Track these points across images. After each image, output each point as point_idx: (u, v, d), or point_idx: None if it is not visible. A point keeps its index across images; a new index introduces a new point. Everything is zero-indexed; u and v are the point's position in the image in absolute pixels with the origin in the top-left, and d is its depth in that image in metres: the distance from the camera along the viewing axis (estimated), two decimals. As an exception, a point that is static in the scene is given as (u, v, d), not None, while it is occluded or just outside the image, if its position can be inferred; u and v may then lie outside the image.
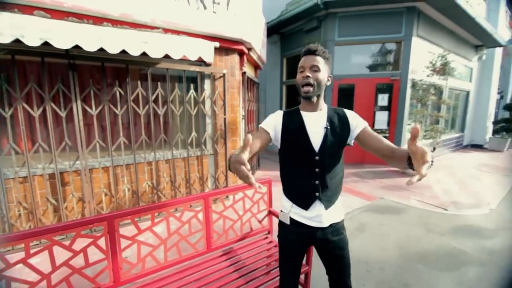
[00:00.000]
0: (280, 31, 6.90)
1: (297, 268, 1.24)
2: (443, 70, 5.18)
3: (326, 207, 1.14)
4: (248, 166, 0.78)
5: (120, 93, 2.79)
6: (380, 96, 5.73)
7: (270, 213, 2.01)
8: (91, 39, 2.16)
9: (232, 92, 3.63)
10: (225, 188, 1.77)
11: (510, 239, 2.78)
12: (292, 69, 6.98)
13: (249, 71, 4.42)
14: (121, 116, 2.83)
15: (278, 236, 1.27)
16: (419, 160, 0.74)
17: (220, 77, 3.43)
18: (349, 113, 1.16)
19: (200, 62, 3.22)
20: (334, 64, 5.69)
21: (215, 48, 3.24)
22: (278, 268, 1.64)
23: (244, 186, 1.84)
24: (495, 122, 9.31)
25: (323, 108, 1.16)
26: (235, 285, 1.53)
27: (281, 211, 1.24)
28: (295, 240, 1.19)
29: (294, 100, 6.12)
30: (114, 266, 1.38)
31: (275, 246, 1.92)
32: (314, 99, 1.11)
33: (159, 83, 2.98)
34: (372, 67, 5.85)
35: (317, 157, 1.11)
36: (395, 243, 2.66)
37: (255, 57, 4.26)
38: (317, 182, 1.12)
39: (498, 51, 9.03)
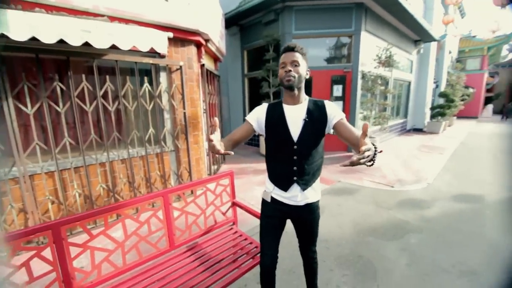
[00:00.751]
0: (239, 23, 6.82)
1: (276, 239, 1.39)
2: (388, 62, 5.70)
3: (303, 189, 1.28)
4: (215, 141, 0.97)
5: (61, 89, 2.50)
6: (335, 87, 6.10)
7: (234, 204, 2.04)
8: (21, 27, 1.89)
9: (191, 85, 3.52)
10: (185, 184, 1.73)
11: (442, 208, 3.26)
12: (253, 61, 7.00)
13: (208, 63, 4.32)
14: (65, 114, 2.55)
15: (261, 211, 1.44)
16: (359, 151, 0.88)
17: (177, 69, 3.29)
18: (328, 105, 1.26)
19: (154, 53, 3.04)
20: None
21: (170, 39, 3.09)
22: (244, 256, 1.72)
23: (205, 180, 1.83)
24: (432, 108, 10.63)
25: (304, 101, 1.27)
26: (201, 278, 1.54)
27: (265, 190, 1.41)
28: (274, 215, 1.36)
29: (257, 93, 6.16)
30: (65, 277, 1.28)
31: (240, 235, 1.97)
32: (296, 91, 1.22)
33: (107, 77, 2.75)
34: (327, 60, 6.17)
35: (295, 146, 1.23)
36: (351, 220, 2.91)
37: (213, 49, 4.16)
38: (295, 168, 1.26)
39: (433, 45, 10.23)
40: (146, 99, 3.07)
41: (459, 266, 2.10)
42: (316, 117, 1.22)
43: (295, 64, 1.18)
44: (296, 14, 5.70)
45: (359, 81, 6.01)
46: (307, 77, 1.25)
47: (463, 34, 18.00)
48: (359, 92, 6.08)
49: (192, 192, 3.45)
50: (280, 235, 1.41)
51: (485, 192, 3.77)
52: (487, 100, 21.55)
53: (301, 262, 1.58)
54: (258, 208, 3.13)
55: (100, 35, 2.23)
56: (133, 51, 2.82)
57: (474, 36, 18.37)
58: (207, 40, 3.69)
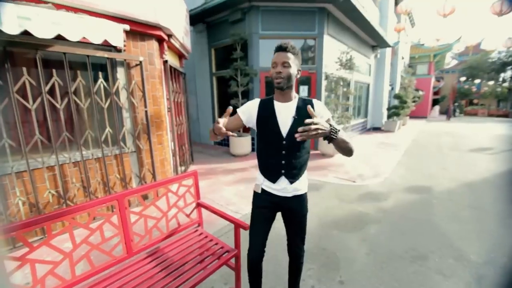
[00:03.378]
0: (206, 20, 6.68)
1: (265, 230, 1.45)
2: (349, 64, 6.05)
3: (291, 182, 1.36)
4: (221, 124, 1.13)
5: (-4, 83, 2.19)
6: (301, 88, 6.30)
7: (199, 205, 1.97)
8: None
9: (153, 82, 3.33)
10: (143, 186, 1.62)
11: (397, 199, 3.54)
12: (221, 60, 6.90)
13: (172, 60, 4.14)
14: (3, 113, 2.23)
15: (252, 203, 1.49)
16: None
17: (137, 65, 3.09)
18: (317, 104, 1.32)
19: (109, 47, 2.83)
20: (260, 57, 5.92)
21: (127, 33, 2.90)
22: (210, 257, 1.67)
23: (166, 181, 1.74)
24: (388, 109, 11.57)
25: (294, 99, 1.32)
26: (163, 284, 1.44)
27: (256, 183, 1.47)
28: (265, 206, 1.43)
29: (226, 92, 6.08)
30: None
31: (206, 237, 1.90)
32: (285, 90, 1.27)
33: (54, 71, 2.47)
34: (293, 61, 6.32)
35: (284, 142, 1.30)
36: (316, 215, 3.02)
37: (177, 45, 4.00)
38: (283, 162, 1.33)
39: (388, 51, 11.14)
40: (101, 96, 2.83)
41: (411, 252, 2.30)
42: (304, 115, 1.22)
43: (285, 65, 1.22)
44: (262, 15, 5.76)
45: (323, 82, 6.29)
46: (298, 76, 1.30)
47: (413, 41, 19.92)
48: (323, 92, 6.36)
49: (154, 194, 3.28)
50: (269, 229, 1.46)
51: (432, 183, 4.20)
52: (434, 102, 24.16)
53: (269, 258, 1.59)
54: (226, 209, 3.12)
55: (42, 23, 1.99)
56: (85, 44, 2.59)
57: (422, 44, 20.43)
58: (169, 36, 3.54)
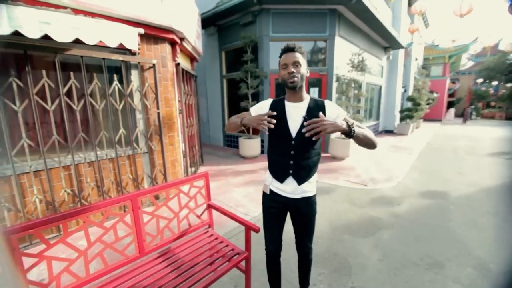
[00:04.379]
0: (217, 23, 6.76)
1: (278, 228, 1.47)
2: (360, 66, 5.96)
3: (299, 183, 1.36)
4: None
5: (18, 85, 2.28)
6: (312, 90, 6.25)
7: (210, 206, 1.98)
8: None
9: (165, 85, 3.39)
10: (155, 186, 1.64)
11: (410, 204, 3.44)
12: (231, 62, 6.95)
13: (184, 63, 4.20)
14: (22, 114, 2.33)
15: (262, 204, 1.51)
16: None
17: (150, 67, 3.16)
18: (328, 104, 1.31)
19: (124, 50, 2.90)
20: (270, 59, 5.92)
21: (142, 36, 2.97)
22: (220, 259, 1.68)
23: (177, 182, 1.75)
24: (401, 111, 11.30)
25: (305, 99, 1.32)
26: (173, 284, 1.45)
27: (265, 184, 1.49)
28: (273, 206, 1.44)
29: (236, 94, 6.12)
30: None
31: (216, 238, 1.91)
32: (297, 90, 1.28)
33: (72, 74, 2.56)
34: (304, 63, 6.29)
35: (293, 142, 1.30)
36: (327, 219, 2.97)
37: (189, 48, 4.06)
38: (291, 162, 1.33)
39: (401, 52, 10.91)
40: (116, 98, 2.90)
41: (427, 259, 2.22)
42: (315, 116, 1.23)
43: (296, 64, 1.22)
44: (273, 17, 5.77)
45: (334, 84, 6.22)
46: (308, 75, 1.32)
47: (427, 42, 19.44)
48: (334, 95, 6.29)
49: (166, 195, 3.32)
50: (283, 225, 1.49)
51: (448, 188, 4.05)
52: (449, 104, 23.44)
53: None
54: (236, 211, 3.11)
55: (61, 28, 2.07)
56: (102, 47, 2.67)
57: (437, 45, 19.91)
58: (182, 39, 3.60)
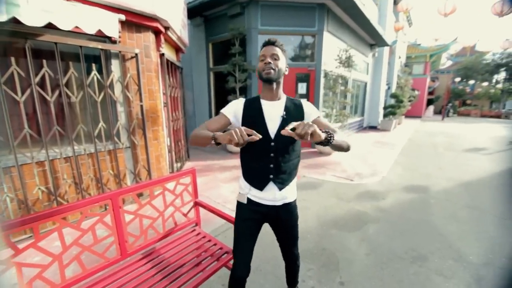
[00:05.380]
0: (204, 13, 6.53)
1: (251, 245, 1.32)
2: (348, 62, 6.00)
3: (280, 188, 1.25)
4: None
5: (-19, 73, 2.06)
6: (300, 85, 6.24)
7: (197, 204, 1.90)
8: None
9: (149, 76, 3.22)
10: (138, 184, 1.54)
11: (395, 198, 3.53)
12: (219, 55, 6.77)
13: (169, 54, 4.02)
14: (-13, 104, 2.11)
15: (236, 215, 1.35)
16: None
17: (132, 57, 2.98)
18: (305, 103, 1.28)
19: (103, 37, 2.71)
20: (259, 53, 5.78)
21: (123, 23, 2.78)
22: (209, 258, 1.61)
23: (162, 179, 1.66)
24: (384, 108, 11.61)
25: (282, 98, 1.25)
26: (159, 287, 1.38)
27: (239, 192, 1.33)
28: (251, 218, 1.29)
29: (223, 88, 5.98)
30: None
31: (204, 237, 1.84)
32: (274, 85, 1.19)
33: (45, 62, 2.35)
34: (292, 58, 6.26)
35: (272, 143, 1.20)
36: (315, 214, 2.98)
37: (174, 38, 3.88)
38: (271, 165, 1.22)
39: (386, 50, 11.14)
40: (94, 89, 2.72)
41: (411, 253, 2.28)
42: (293, 115, 1.21)
43: (274, 57, 1.16)
44: (262, 9, 5.65)
45: (322, 80, 6.23)
46: (286, 73, 1.23)
47: (410, 41, 20.00)
48: (321, 90, 6.31)
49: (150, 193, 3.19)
50: (255, 242, 1.33)
51: (429, 183, 4.20)
52: (429, 102, 24.40)
53: (268, 259, 1.54)
54: (224, 207, 3.05)
55: (32, 11, 1.87)
56: (78, 34, 2.47)
57: (419, 44, 20.52)
58: (166, 28, 3.42)
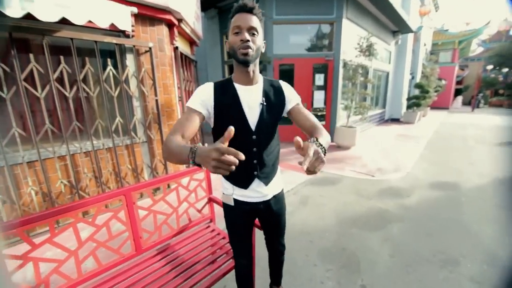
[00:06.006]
0: (218, 5, 6.42)
1: (249, 238, 1.28)
2: (369, 51, 5.66)
3: (266, 183, 1.14)
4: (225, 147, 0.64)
5: (4, 71, 2.12)
6: (317, 76, 6.00)
7: (211, 200, 1.86)
8: None
9: (163, 70, 3.20)
10: (151, 180, 1.51)
11: (420, 196, 3.30)
12: (232, 48, 6.66)
13: (183, 47, 3.98)
14: (11, 101, 2.18)
15: (225, 217, 1.25)
16: (306, 153, 0.70)
17: (146, 51, 2.96)
18: (285, 86, 1.12)
19: (118, 32, 2.71)
20: (274, 43, 5.64)
21: (137, 17, 2.76)
22: (224, 256, 1.57)
23: (176, 175, 1.62)
24: (408, 99, 10.97)
25: (259, 81, 1.05)
26: (175, 284, 1.36)
27: (223, 193, 1.20)
28: (241, 218, 1.20)
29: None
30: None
31: (218, 234, 1.80)
32: (251, 67, 0.97)
33: (62, 58, 2.38)
34: (309, 48, 6.01)
35: (254, 136, 1.04)
36: (333, 211, 2.85)
37: (188, 31, 3.82)
38: (255, 161, 1.08)
39: (410, 36, 10.44)
40: (111, 84, 2.73)
41: (440, 256, 2.10)
42: (273, 101, 1.06)
43: (253, 32, 0.92)
44: (277, -2, 5.44)
45: (341, 70, 5.95)
46: (263, 50, 1.01)
47: (436, 27, 18.66)
48: (340, 81, 6.04)
49: (169, 186, 3.22)
50: (252, 236, 1.30)
51: (459, 179, 3.90)
52: (457, 92, 22.82)
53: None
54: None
55: (46, 6, 1.88)
56: (94, 29, 2.48)
57: (446, 30, 19.11)
58: (180, 20, 3.36)
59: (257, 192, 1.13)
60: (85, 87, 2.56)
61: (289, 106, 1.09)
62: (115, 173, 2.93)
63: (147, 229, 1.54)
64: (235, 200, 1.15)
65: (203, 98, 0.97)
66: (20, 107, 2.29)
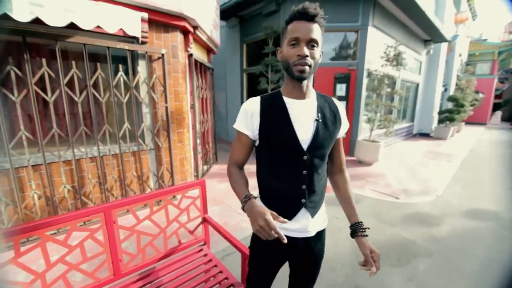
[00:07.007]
0: (239, 14, 6.42)
1: (269, 284, 1.04)
2: (397, 60, 5.27)
3: (312, 215, 0.93)
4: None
5: (16, 74, 2.14)
6: (338, 86, 5.69)
7: (205, 220, 1.67)
8: None
9: (175, 77, 3.14)
10: (136, 196, 1.36)
11: (454, 226, 2.86)
12: (253, 56, 6.59)
13: (199, 54, 3.94)
14: (21, 104, 2.20)
15: (251, 250, 1.04)
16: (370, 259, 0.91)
17: (159, 58, 2.92)
18: (340, 105, 0.99)
19: (131, 38, 2.69)
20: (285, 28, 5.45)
21: (151, 24, 2.73)
22: (217, 286, 1.37)
23: (166, 191, 1.46)
24: (440, 113, 10.15)
25: (312, 95, 0.92)
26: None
27: None
28: (273, 257, 0.98)
29: (255, 90, 5.77)
30: None
31: (210, 260, 1.60)
32: (305, 82, 0.87)
33: (73, 63, 2.38)
34: (331, 57, 5.75)
35: (305, 157, 0.88)
36: (348, 238, 2.52)
37: (204, 38, 3.77)
38: (303, 186, 0.90)
39: (444, 46, 9.73)
40: (121, 90, 2.70)
41: (480, 307, 1.72)
42: (329, 118, 0.92)
43: (312, 44, 0.80)
44: (298, 6, 5.28)
45: (365, 80, 5.60)
46: (320, 61, 0.87)
47: (473, 36, 17.39)
48: (364, 92, 5.67)
49: (160, 201, 3.10)
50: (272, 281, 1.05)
51: (500, 208, 3.36)
52: (495, 106, 20.93)
53: None
54: (243, 219, 2.79)
55: (54, 11, 1.86)
56: (108, 35, 2.48)
57: (485, 40, 17.73)
58: (195, 27, 3.31)
59: (301, 225, 0.92)
60: (94, 92, 2.54)
61: (343, 131, 0.97)
62: (120, 180, 2.87)
63: (128, 251, 1.38)
64: None
65: (249, 116, 0.89)
66: (29, 111, 2.31)
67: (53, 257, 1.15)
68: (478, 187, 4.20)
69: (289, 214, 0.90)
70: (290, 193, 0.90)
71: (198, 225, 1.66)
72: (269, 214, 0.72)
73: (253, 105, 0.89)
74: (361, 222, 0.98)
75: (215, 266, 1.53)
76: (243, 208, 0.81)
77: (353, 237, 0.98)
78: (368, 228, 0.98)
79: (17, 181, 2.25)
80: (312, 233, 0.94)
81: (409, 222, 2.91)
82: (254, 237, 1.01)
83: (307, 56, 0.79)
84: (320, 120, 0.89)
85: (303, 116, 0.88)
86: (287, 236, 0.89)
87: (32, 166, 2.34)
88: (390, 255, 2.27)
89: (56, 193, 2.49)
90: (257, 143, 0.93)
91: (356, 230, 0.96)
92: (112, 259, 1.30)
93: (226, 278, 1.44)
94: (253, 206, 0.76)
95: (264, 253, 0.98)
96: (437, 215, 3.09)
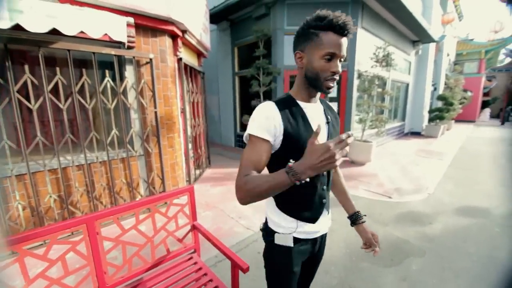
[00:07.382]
0: (230, 17, 6.42)
1: None
2: (386, 61, 5.34)
3: (328, 211, 0.99)
4: None
5: (-3, 82, 2.08)
6: (330, 87, 5.72)
7: (195, 227, 1.63)
8: None
9: (164, 81, 3.10)
10: (120, 206, 1.32)
11: (446, 224, 2.88)
12: (244, 59, 6.59)
13: (189, 58, 3.91)
14: (4, 113, 2.13)
15: (272, 260, 0.96)
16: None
17: (147, 62, 2.88)
18: (334, 106, 0.96)
19: (118, 43, 2.64)
20: (285, 55, 5.48)
21: (138, 28, 2.70)
22: None
23: (152, 199, 1.42)
24: (430, 111, 10.33)
25: (317, 99, 0.96)
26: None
27: (278, 233, 0.91)
28: (298, 261, 0.94)
29: (247, 93, 5.76)
30: None
31: (200, 269, 1.56)
32: None
33: (58, 69, 2.33)
34: (322, 58, 5.79)
35: None
36: (342, 239, 2.52)
37: (193, 42, 3.75)
38: (324, 187, 0.93)
39: (432, 46, 9.93)
40: (108, 96, 2.65)
41: (472, 305, 1.72)
42: (333, 120, 0.98)
43: (342, 58, 0.81)
44: (288, 9, 5.32)
45: (355, 82, 5.65)
46: None
47: (460, 37, 17.82)
48: (355, 93, 5.72)
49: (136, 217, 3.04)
50: None
51: (491, 204, 3.41)
52: (484, 104, 21.41)
53: None
54: (238, 223, 2.76)
55: (35, 17, 1.81)
56: (93, 40, 2.43)
57: (471, 39, 18.17)
58: (184, 31, 3.28)
59: (321, 224, 0.94)
60: (80, 98, 2.49)
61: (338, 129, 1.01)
62: (108, 188, 2.80)
63: (115, 262, 1.33)
64: (296, 239, 0.90)
65: (271, 123, 0.81)
66: (12, 119, 2.24)
67: (36, 270, 1.11)
68: (469, 184, 4.26)
69: (315, 217, 0.91)
70: (315, 196, 0.90)
71: (187, 233, 1.63)
72: (315, 139, 0.66)
73: (272, 110, 0.83)
74: (359, 211, 1.08)
75: (205, 274, 1.50)
76: (299, 178, 0.66)
77: (353, 226, 1.08)
78: (365, 215, 1.09)
79: (0, 191, 2.17)
80: (325, 230, 0.99)
81: (402, 221, 2.92)
82: (276, 250, 0.93)
83: (339, 72, 0.80)
84: (330, 123, 0.93)
85: (317, 118, 0.90)
86: (310, 240, 0.94)
87: (16, 176, 2.26)
88: (384, 255, 2.27)
89: (42, 203, 2.42)
90: (274, 149, 0.85)
91: (356, 219, 1.05)
92: (97, 272, 1.26)
93: (216, 287, 1.40)
94: (305, 160, 0.66)
95: (291, 263, 0.91)
96: (429, 214, 3.11)
